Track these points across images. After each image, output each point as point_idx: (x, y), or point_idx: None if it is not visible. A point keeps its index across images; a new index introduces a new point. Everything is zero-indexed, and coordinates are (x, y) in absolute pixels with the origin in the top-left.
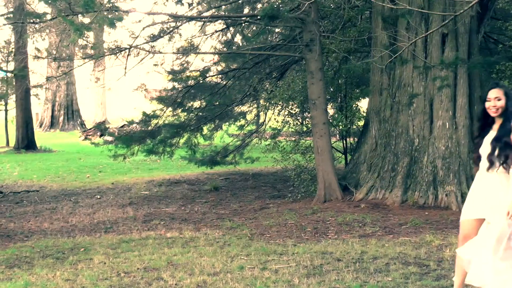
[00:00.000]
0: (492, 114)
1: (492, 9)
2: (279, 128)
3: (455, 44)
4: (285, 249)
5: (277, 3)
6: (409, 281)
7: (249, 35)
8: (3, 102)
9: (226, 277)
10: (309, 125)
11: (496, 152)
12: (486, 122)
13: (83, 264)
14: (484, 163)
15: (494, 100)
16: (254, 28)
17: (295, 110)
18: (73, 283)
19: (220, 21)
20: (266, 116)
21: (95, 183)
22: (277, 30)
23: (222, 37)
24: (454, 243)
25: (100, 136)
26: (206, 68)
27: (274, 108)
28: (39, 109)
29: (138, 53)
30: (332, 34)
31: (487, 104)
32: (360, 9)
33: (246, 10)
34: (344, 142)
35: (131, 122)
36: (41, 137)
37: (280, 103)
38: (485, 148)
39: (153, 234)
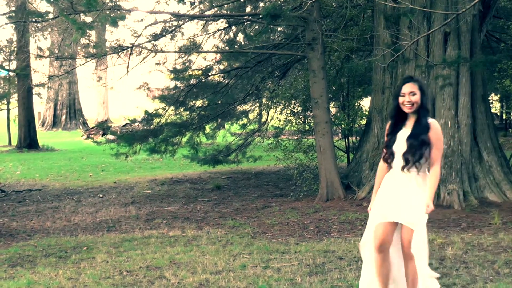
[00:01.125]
0: (406, 110)
1: (494, 8)
2: (281, 127)
3: (457, 43)
4: (287, 248)
5: (279, 2)
6: None
7: (251, 34)
8: (5, 101)
9: (228, 276)
10: (311, 124)
11: (412, 151)
12: (399, 118)
13: (85, 263)
14: (398, 161)
15: (409, 95)
16: (256, 27)
17: (297, 109)
18: (75, 281)
19: (222, 20)
20: (268, 115)
21: (97, 182)
22: (279, 29)
23: (224, 36)
24: (457, 242)
25: (103, 135)
26: (208, 67)
27: (276, 107)
28: (41, 108)
29: (140, 52)
30: (334, 33)
31: (401, 99)
32: (362, 8)
33: (248, 9)
34: (346, 140)
35: (133, 121)
36: (43, 136)
37: (283, 102)
38: (400, 145)
39: (155, 233)
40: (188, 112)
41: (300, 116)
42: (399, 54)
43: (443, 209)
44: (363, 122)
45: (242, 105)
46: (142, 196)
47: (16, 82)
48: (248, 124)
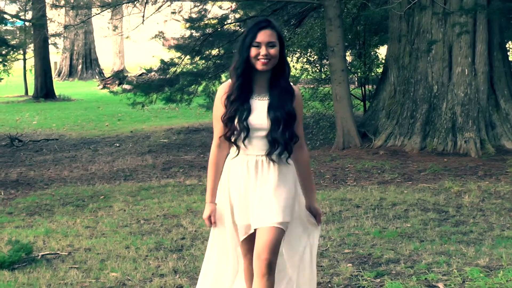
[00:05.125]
0: (260, 67)
1: None
2: (297, 75)
3: None
4: None
5: None
6: (428, 227)
7: None
8: (21, 51)
9: None
10: (327, 72)
11: (280, 128)
12: (246, 78)
13: (103, 211)
14: (259, 143)
15: (266, 46)
16: None
17: (313, 58)
18: (93, 230)
19: None
20: None
21: (114, 131)
22: None
23: None
24: (473, 190)
25: (119, 84)
26: (224, 15)
27: (292, 56)
28: (58, 58)
29: (156, 0)
30: None
31: (253, 52)
32: None
33: None
34: (363, 89)
35: (150, 70)
36: (59, 86)
37: (298, 50)
38: (258, 119)
39: (172, 181)
40: (204, 61)
41: (316, 65)
42: (415, 1)
43: (459, 157)
44: (380, 70)
45: None
46: (159, 145)
47: (32, 32)
48: None
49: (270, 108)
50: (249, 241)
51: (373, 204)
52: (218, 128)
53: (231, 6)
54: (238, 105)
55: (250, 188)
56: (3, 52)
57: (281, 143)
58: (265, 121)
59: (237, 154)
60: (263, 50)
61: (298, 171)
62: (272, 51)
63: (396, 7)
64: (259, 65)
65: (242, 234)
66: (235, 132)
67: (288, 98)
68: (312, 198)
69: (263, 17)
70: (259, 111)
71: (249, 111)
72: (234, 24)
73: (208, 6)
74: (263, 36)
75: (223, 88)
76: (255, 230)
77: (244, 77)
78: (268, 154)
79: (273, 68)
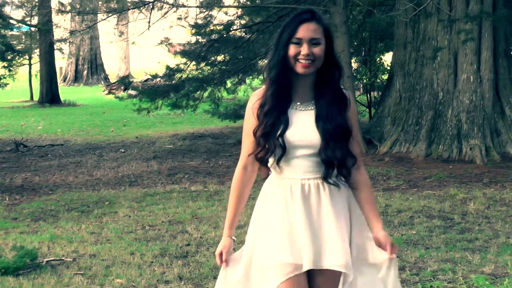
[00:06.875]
0: (301, 70)
1: None
2: None
3: None
4: None
5: None
6: (433, 234)
7: None
8: (27, 57)
9: None
10: None
11: (334, 144)
12: (286, 81)
13: (108, 217)
14: (300, 163)
15: (308, 44)
16: None
17: None
18: (98, 236)
19: None
20: None
21: (119, 137)
22: None
23: None
24: (479, 197)
25: (124, 90)
26: (229, 21)
27: None
28: (63, 63)
29: (162, 6)
30: None
31: (292, 50)
32: None
33: None
34: (368, 95)
35: (155, 76)
36: (65, 91)
37: None
38: (303, 134)
39: (177, 187)
40: (209, 67)
41: None
42: (421, 8)
43: (465, 164)
44: (385, 77)
45: (264, 60)
46: (164, 151)
47: (37, 37)
48: None
49: (318, 120)
50: (298, 284)
51: (378, 211)
52: (247, 144)
53: (237, 12)
54: (275, 117)
55: (296, 218)
56: (9, 57)
57: (336, 163)
58: (314, 136)
59: (275, 176)
60: (304, 49)
61: (358, 196)
62: (316, 50)
63: (401, 14)
64: (299, 68)
65: (281, 275)
66: (270, 152)
67: (340, 107)
68: (378, 226)
69: (306, 7)
70: (303, 124)
71: (286, 123)
72: (239, 30)
73: (214, 12)
74: (305, 31)
75: (256, 95)
76: (306, 272)
77: (281, 81)
78: (325, 178)
79: (319, 70)
